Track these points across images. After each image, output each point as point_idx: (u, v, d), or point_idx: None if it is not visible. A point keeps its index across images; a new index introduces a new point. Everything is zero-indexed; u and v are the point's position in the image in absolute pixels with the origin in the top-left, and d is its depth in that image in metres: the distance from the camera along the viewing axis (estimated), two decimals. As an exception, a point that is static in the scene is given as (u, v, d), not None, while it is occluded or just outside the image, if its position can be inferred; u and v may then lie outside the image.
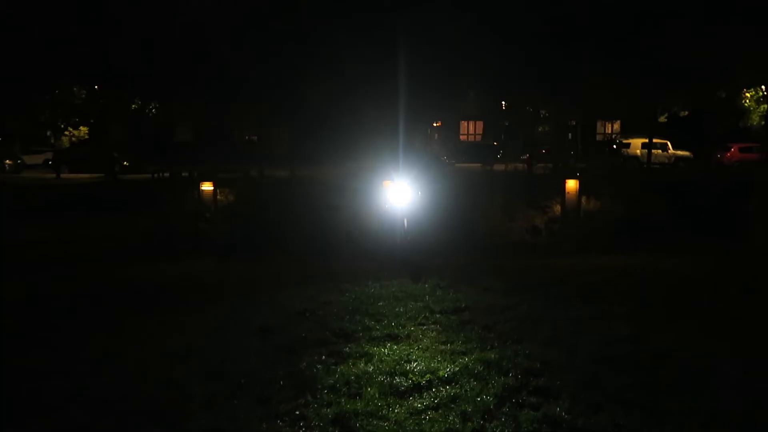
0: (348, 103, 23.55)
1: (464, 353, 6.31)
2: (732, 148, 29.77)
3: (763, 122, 27.52)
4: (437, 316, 7.76)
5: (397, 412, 5.00)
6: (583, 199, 17.05)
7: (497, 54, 21.93)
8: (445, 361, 6.09)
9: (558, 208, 17.43)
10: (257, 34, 20.79)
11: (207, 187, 16.96)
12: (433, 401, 5.19)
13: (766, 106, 27.18)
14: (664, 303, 8.52)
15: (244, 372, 5.84)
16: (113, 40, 20.23)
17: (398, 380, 5.60)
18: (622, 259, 12.74)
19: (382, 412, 5.00)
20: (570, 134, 36.20)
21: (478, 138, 42.07)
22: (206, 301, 8.96)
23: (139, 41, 20.38)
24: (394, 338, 6.87)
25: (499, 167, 26.50)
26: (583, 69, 21.97)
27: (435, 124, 40.96)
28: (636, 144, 30.62)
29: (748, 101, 28.64)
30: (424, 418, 4.90)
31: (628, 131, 35.10)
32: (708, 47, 20.44)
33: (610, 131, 39.99)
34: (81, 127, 31.47)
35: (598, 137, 39.77)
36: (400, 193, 13.03)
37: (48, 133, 33.47)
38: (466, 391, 5.36)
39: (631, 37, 21.22)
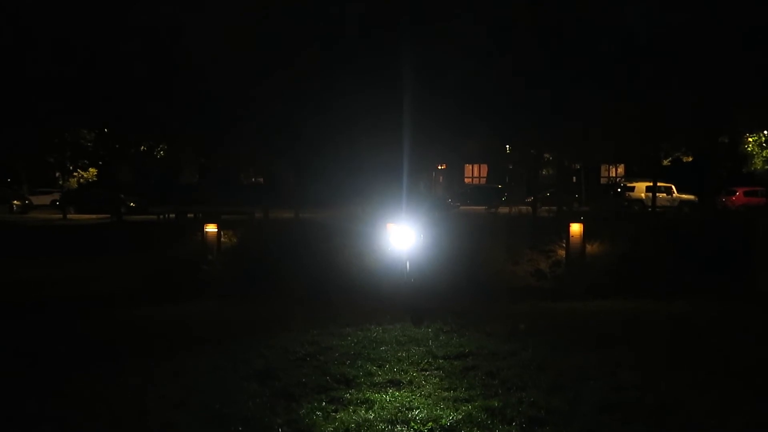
0: (352, 145, 23.79)
1: (467, 400, 6.18)
2: (737, 192, 29.78)
3: (766, 167, 27.59)
4: (440, 361, 7.64)
5: (398, 462, 4.87)
6: (588, 243, 17.01)
7: (502, 96, 22.23)
8: (447, 408, 5.97)
9: (562, 251, 17.38)
10: (256, 70, 21.16)
11: (211, 228, 17.05)
12: (435, 451, 5.07)
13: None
14: (671, 349, 8.37)
15: (242, 418, 5.74)
16: (119, 83, 20.71)
17: (399, 428, 5.48)
18: (627, 303, 12.60)
19: (382, 462, 4.87)
20: (574, 177, 36.34)
21: (483, 181, 42.35)
22: (206, 344, 8.85)
23: (143, 84, 20.83)
24: (396, 384, 6.76)
25: (503, 210, 26.54)
26: (586, 111, 22.21)
27: (440, 167, 41.26)
28: (640, 187, 30.71)
29: (751, 146, 28.79)
30: (426, 469, 4.77)
31: (632, 175, 35.24)
32: (707, 92, 20.68)
33: (614, 174, 40.13)
34: (90, 169, 31.88)
35: (602, 180, 39.91)
36: (403, 236, 13.03)
37: (57, 174, 33.89)
38: (468, 440, 5.24)
39: (632, 79, 21.49)
